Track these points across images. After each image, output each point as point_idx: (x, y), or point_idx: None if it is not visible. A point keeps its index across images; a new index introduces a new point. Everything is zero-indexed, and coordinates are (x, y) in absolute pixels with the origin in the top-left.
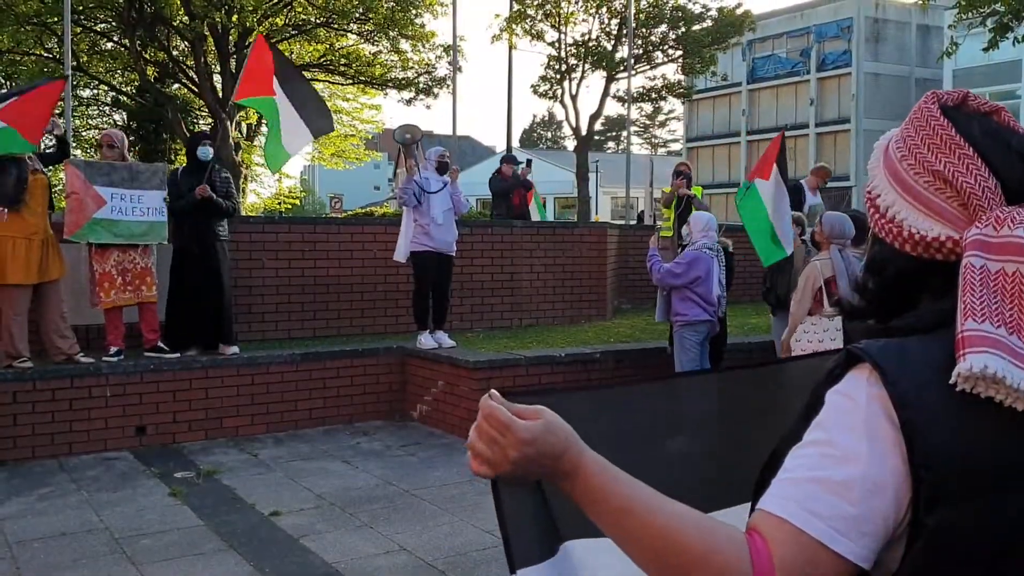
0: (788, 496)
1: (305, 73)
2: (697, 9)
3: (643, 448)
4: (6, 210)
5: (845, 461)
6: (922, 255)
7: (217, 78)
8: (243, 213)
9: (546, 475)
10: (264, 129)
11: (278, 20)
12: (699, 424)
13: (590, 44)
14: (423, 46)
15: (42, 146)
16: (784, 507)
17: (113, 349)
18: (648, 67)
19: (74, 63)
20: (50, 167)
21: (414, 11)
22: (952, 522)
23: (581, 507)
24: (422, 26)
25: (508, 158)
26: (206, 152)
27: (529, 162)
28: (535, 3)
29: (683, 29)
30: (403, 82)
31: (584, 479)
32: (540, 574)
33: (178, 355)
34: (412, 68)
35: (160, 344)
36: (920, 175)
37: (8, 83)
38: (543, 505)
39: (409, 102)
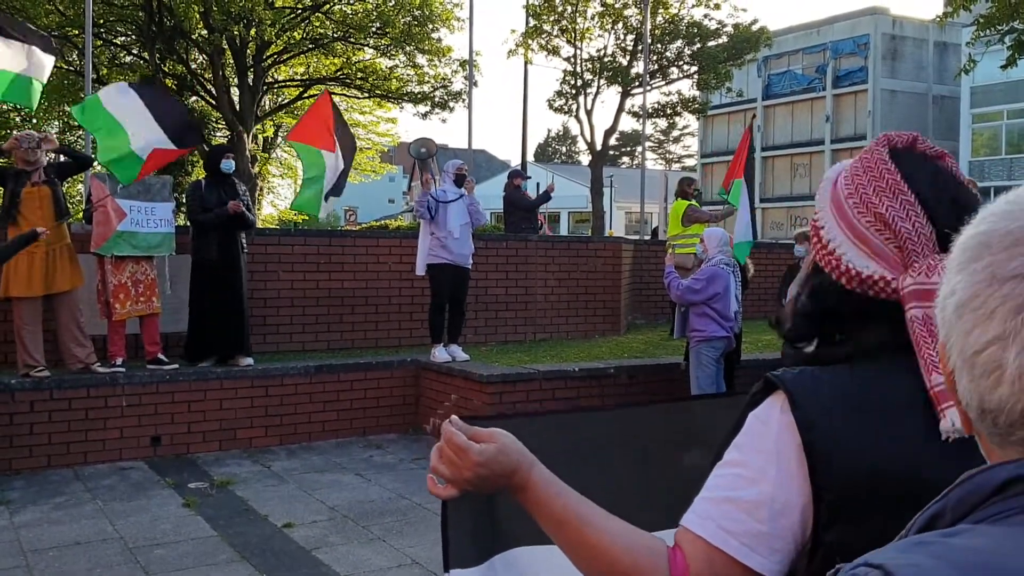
0: (705, 515)
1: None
2: (713, 25)
3: (593, 468)
4: (46, 231)
5: (755, 482)
6: (856, 290)
7: (235, 91)
8: (258, 225)
9: (501, 489)
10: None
11: (296, 34)
12: (653, 449)
13: (606, 59)
14: (439, 61)
15: (54, 158)
16: (702, 526)
17: (119, 360)
18: (663, 83)
19: (94, 75)
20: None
21: (431, 26)
22: (848, 539)
23: (533, 517)
24: (439, 41)
25: (520, 173)
26: (229, 165)
27: (553, 178)
28: (551, 19)
29: (699, 45)
30: (419, 96)
31: (532, 493)
32: None
33: (176, 366)
34: (428, 82)
35: (160, 356)
36: (863, 214)
37: None
38: (485, 519)
39: (425, 116)
